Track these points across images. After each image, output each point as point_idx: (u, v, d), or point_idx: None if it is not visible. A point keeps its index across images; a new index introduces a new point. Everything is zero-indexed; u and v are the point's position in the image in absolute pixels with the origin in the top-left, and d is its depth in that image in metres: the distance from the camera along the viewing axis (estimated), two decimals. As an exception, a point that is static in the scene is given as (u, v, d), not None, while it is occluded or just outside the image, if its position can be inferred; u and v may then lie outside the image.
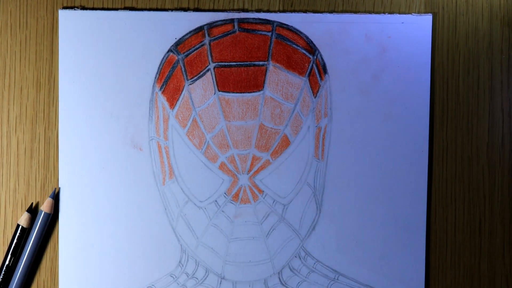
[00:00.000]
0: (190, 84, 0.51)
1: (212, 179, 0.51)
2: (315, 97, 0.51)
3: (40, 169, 0.51)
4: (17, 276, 0.50)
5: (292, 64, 0.51)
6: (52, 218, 0.51)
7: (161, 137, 0.51)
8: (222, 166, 0.51)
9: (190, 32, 0.51)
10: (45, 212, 0.50)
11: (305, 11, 0.51)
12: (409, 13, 0.51)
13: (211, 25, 0.51)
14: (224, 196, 0.51)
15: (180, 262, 0.51)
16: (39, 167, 0.51)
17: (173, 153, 0.51)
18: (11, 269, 0.50)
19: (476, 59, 0.52)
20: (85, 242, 0.51)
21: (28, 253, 0.50)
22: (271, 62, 0.51)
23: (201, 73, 0.51)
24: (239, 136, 0.51)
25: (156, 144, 0.51)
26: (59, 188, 0.51)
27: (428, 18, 0.51)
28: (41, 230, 0.50)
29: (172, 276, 0.51)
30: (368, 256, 0.51)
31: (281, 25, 0.51)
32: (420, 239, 0.51)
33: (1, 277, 0.50)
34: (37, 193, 0.51)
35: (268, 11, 0.51)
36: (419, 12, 0.51)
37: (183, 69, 0.51)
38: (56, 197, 0.51)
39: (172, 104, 0.51)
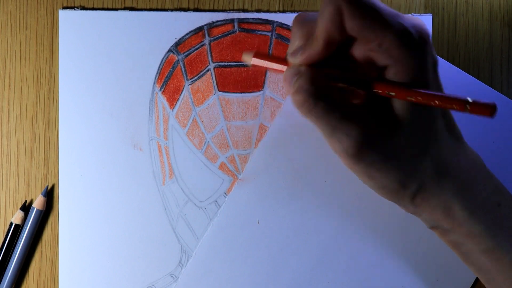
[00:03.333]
0: (190, 84, 0.51)
1: (212, 179, 0.51)
2: (315, 97, 0.51)
3: (40, 169, 0.51)
4: (9, 273, 0.50)
5: (292, 64, 0.51)
6: (46, 215, 0.51)
7: (161, 137, 0.51)
8: (222, 166, 0.51)
9: (190, 32, 0.51)
10: (37, 209, 0.50)
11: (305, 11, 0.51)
12: (409, 13, 0.51)
13: (211, 25, 0.51)
14: (224, 196, 0.51)
15: (180, 262, 0.51)
16: (39, 167, 0.51)
17: (173, 153, 0.51)
18: (3, 265, 0.50)
19: (476, 59, 0.52)
20: (85, 242, 0.51)
21: (20, 249, 0.50)
22: (271, 62, 0.51)
23: (201, 73, 0.51)
24: (239, 136, 0.51)
25: (156, 144, 0.51)
26: (53, 185, 0.51)
27: (428, 18, 0.51)
28: (33, 227, 0.50)
29: (172, 276, 0.51)
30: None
31: (281, 25, 0.51)
32: None
33: (-4, 273, 0.50)
34: (37, 193, 0.51)
35: (268, 11, 0.51)
36: (419, 12, 0.52)
37: (183, 69, 0.51)
38: (50, 195, 0.51)
39: (172, 104, 0.51)
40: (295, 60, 0.42)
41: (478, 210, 0.42)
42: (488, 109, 0.37)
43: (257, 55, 0.44)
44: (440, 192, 0.42)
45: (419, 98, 0.39)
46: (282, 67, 0.43)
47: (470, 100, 0.38)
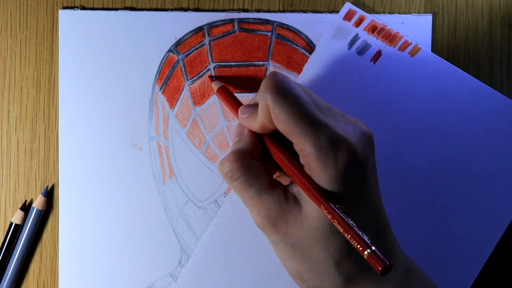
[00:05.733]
0: (190, 84, 0.51)
1: (212, 179, 0.51)
2: (315, 97, 0.51)
3: (40, 169, 0.51)
4: (9, 273, 0.50)
5: (292, 64, 0.51)
6: (46, 215, 0.51)
7: (161, 137, 0.51)
8: (222, 166, 0.51)
9: (190, 32, 0.51)
10: (37, 209, 0.50)
11: (305, 11, 0.51)
12: (409, 13, 0.51)
13: (211, 25, 0.51)
14: (224, 196, 0.51)
15: (180, 262, 0.51)
16: (39, 167, 0.51)
17: (173, 153, 0.51)
18: (3, 265, 0.50)
19: (476, 59, 0.52)
20: (85, 242, 0.51)
21: (20, 249, 0.50)
22: (271, 62, 0.51)
23: (201, 73, 0.51)
24: (239, 136, 0.51)
25: (156, 144, 0.51)
26: (53, 185, 0.51)
27: (428, 18, 0.51)
28: (33, 227, 0.50)
29: (172, 276, 0.51)
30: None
31: (281, 25, 0.51)
32: None
33: (-4, 273, 0.50)
34: (37, 193, 0.51)
35: (268, 11, 0.51)
36: (419, 12, 0.52)
37: (183, 69, 0.51)
38: (50, 195, 0.51)
39: (172, 104, 0.51)
40: (241, 120, 0.45)
41: None
42: (382, 266, 0.35)
43: (220, 91, 0.48)
44: None
45: (329, 216, 0.38)
46: (234, 111, 0.46)
47: (369, 250, 0.36)
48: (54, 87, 0.51)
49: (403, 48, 0.50)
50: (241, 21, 0.51)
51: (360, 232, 0.37)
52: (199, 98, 0.51)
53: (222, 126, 0.51)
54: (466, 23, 0.52)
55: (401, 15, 0.51)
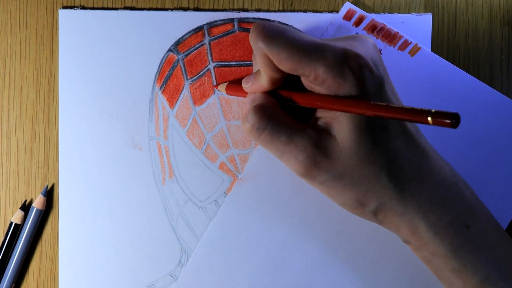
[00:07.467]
0: (190, 83, 0.51)
1: (212, 179, 0.51)
2: (315, 97, 0.51)
3: (40, 169, 0.51)
4: (9, 272, 0.50)
5: (292, 64, 0.51)
6: (45, 215, 0.51)
7: (161, 136, 0.51)
8: (222, 166, 0.51)
9: (190, 31, 0.51)
10: (37, 209, 0.50)
11: (305, 11, 0.51)
12: (409, 13, 0.51)
13: (211, 25, 0.51)
14: (224, 196, 0.51)
15: (180, 262, 0.51)
16: (39, 167, 0.51)
17: (173, 153, 0.51)
18: (3, 265, 0.50)
19: (476, 59, 0.52)
20: (85, 242, 0.51)
21: (20, 249, 0.50)
22: (271, 61, 0.51)
23: (201, 72, 0.51)
24: (239, 136, 0.51)
25: (156, 143, 0.51)
26: (53, 185, 0.51)
27: (428, 18, 0.51)
28: (33, 227, 0.50)
29: (172, 276, 0.51)
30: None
31: (281, 25, 0.51)
32: None
33: (-4, 273, 0.50)
34: (37, 192, 0.51)
35: (268, 11, 0.51)
36: (419, 12, 0.52)
37: (183, 68, 0.51)
38: (50, 195, 0.51)
39: (172, 104, 0.51)
40: (246, 88, 0.45)
41: (443, 231, 0.42)
42: (450, 119, 0.33)
43: (229, 87, 0.49)
44: (404, 211, 0.42)
45: (370, 112, 0.38)
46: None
47: (430, 114, 0.34)
48: (54, 86, 0.51)
49: (403, 47, 0.50)
50: (241, 20, 0.51)
51: (410, 107, 0.35)
52: (199, 98, 0.51)
53: (222, 126, 0.51)
54: (466, 22, 0.52)
55: (401, 14, 0.51)
